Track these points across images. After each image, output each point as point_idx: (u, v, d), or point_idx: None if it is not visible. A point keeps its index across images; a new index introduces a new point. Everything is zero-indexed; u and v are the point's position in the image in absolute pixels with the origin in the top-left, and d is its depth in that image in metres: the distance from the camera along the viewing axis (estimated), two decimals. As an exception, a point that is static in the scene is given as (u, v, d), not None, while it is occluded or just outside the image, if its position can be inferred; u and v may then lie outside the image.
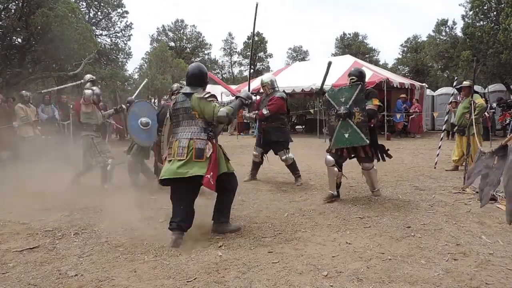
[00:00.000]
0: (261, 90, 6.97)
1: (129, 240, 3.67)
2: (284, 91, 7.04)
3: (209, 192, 5.74)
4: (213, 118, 3.55)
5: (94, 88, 6.10)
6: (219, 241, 3.61)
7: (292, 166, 6.32)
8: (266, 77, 6.59)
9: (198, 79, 3.75)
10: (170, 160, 3.57)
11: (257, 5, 5.70)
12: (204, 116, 3.58)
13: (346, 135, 4.76)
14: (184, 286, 2.74)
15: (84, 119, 5.94)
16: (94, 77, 6.63)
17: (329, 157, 5.00)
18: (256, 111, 6.25)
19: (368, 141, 4.64)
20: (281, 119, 6.21)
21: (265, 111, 6.06)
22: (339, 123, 4.85)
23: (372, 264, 3.06)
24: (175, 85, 6.21)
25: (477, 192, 5.03)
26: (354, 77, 5.07)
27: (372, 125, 4.92)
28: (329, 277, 2.84)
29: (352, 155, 5.03)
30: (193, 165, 3.46)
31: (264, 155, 6.57)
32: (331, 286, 2.71)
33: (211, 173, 3.49)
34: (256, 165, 6.62)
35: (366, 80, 16.37)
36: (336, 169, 4.97)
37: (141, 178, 6.52)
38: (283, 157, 6.23)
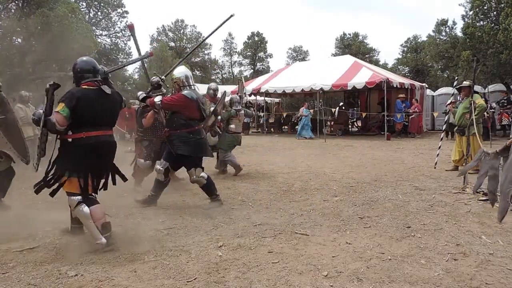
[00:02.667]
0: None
1: (129, 240, 3.67)
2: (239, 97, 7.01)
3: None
4: None
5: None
6: (219, 241, 3.61)
7: (207, 187, 4.89)
8: (178, 71, 4.98)
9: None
10: None
11: (231, 16, 5.71)
12: None
13: None
14: (184, 286, 2.74)
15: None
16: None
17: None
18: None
19: None
20: (188, 126, 4.71)
21: (157, 99, 4.72)
22: None
23: (372, 264, 3.06)
24: (156, 79, 5.93)
25: (477, 193, 5.04)
26: None
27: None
28: (329, 277, 2.84)
29: None
30: None
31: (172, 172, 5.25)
32: (331, 286, 2.71)
33: None
34: (159, 185, 4.90)
35: (366, 80, 16.44)
36: None
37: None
38: (192, 177, 4.81)
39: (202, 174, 4.80)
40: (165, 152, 4.90)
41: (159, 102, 4.65)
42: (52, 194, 3.58)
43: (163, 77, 5.86)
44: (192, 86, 4.88)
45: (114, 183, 3.74)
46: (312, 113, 16.49)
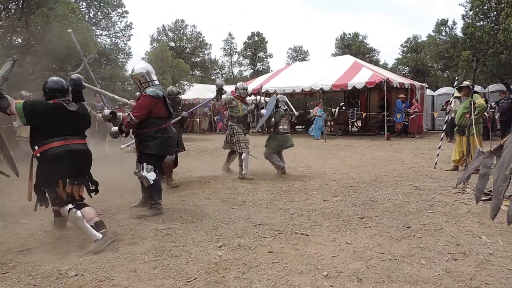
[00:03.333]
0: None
1: (129, 240, 3.67)
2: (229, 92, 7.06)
3: (209, 191, 5.75)
4: None
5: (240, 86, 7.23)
6: (219, 241, 3.61)
7: (152, 190, 4.55)
8: (138, 66, 4.75)
9: None
10: None
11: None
12: None
13: None
14: (184, 286, 2.74)
15: (230, 112, 7.07)
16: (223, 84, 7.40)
17: None
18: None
19: None
20: (155, 125, 4.55)
21: (128, 118, 4.49)
22: None
23: (372, 264, 3.06)
24: (174, 88, 6.78)
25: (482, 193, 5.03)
26: None
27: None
28: (329, 277, 2.84)
29: None
30: None
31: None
32: (331, 286, 2.71)
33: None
34: (144, 188, 4.75)
35: (366, 80, 16.45)
36: None
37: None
38: (141, 173, 4.51)
39: (150, 174, 4.48)
40: (137, 156, 4.71)
41: (133, 118, 4.43)
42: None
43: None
44: (155, 82, 4.68)
45: (89, 193, 3.73)
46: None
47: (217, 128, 20.74)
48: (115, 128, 4.67)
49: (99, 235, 3.39)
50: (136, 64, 4.84)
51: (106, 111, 4.59)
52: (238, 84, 7.43)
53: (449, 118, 8.95)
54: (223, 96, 6.84)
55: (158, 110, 4.55)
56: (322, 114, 15.41)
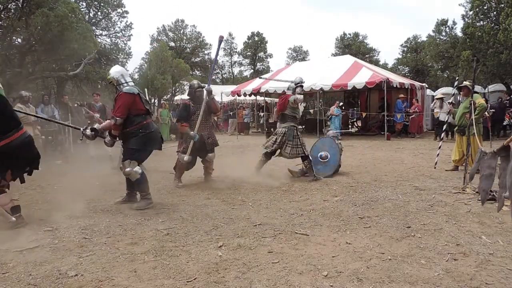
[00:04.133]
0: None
1: (129, 240, 3.67)
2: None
3: (209, 191, 5.75)
4: None
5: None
6: (219, 241, 3.61)
7: (139, 184, 4.82)
8: (113, 70, 5.00)
9: None
10: None
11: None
12: None
13: None
14: (184, 286, 2.74)
15: (290, 113, 6.71)
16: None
17: None
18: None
19: None
20: (136, 122, 4.77)
21: (113, 120, 4.78)
22: None
23: (372, 264, 3.06)
24: (196, 82, 6.49)
25: (477, 192, 5.04)
26: None
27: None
28: (329, 277, 2.84)
29: None
30: None
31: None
32: (331, 286, 2.71)
33: None
34: (130, 184, 5.04)
35: (366, 80, 16.43)
36: None
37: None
38: (126, 169, 4.76)
39: (137, 168, 4.76)
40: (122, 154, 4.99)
41: (117, 119, 4.69)
42: None
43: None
44: (130, 83, 4.89)
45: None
46: (312, 113, 16.44)
47: (224, 128, 20.68)
48: (108, 138, 4.98)
49: (13, 219, 4.01)
50: (112, 69, 5.08)
51: (88, 132, 4.90)
52: (297, 79, 6.69)
53: (438, 118, 9.01)
54: (298, 96, 6.50)
55: (136, 107, 4.77)
56: (339, 113, 15.09)
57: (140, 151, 4.80)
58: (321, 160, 6.97)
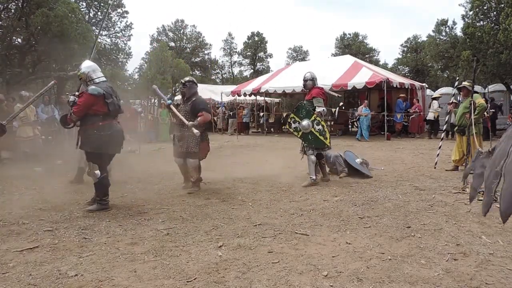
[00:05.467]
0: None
1: (129, 240, 3.67)
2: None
3: (209, 191, 5.75)
4: None
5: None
6: (219, 241, 3.61)
7: (98, 187, 4.72)
8: (84, 65, 4.84)
9: None
10: None
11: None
12: None
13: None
14: (184, 286, 2.74)
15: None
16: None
17: None
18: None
19: None
20: (92, 121, 4.63)
21: (69, 114, 4.71)
22: None
23: (372, 264, 3.06)
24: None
25: (477, 192, 5.03)
26: None
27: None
28: (329, 277, 2.84)
29: None
30: None
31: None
32: (331, 286, 2.71)
33: None
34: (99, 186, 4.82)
35: (366, 80, 16.37)
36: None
37: (142, 179, 6.52)
38: (86, 170, 4.82)
39: (96, 172, 4.64)
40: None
41: (72, 115, 4.60)
42: None
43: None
44: (101, 78, 4.76)
45: None
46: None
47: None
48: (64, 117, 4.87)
49: None
50: (83, 63, 4.90)
51: (72, 98, 4.78)
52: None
53: (435, 117, 9.02)
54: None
55: (97, 107, 4.61)
56: (368, 112, 14.73)
57: (95, 154, 4.66)
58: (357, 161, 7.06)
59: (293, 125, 6.21)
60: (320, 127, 6.05)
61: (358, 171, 6.82)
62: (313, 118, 6.06)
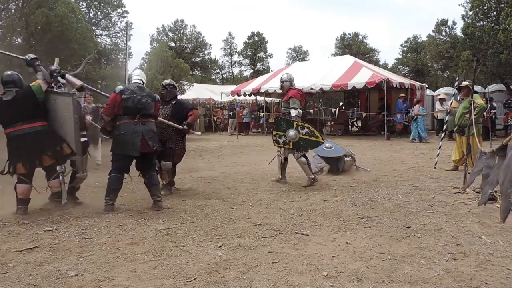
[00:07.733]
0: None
1: (129, 240, 3.67)
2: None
3: (209, 191, 5.75)
4: None
5: None
6: (219, 241, 3.61)
7: (107, 187, 4.73)
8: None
9: None
10: None
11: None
12: None
13: None
14: (184, 286, 2.74)
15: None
16: None
17: None
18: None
19: None
20: (116, 122, 4.84)
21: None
22: None
23: (372, 264, 3.06)
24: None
25: (477, 192, 5.04)
26: None
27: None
28: (329, 277, 2.84)
29: None
30: None
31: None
32: (331, 286, 2.71)
33: None
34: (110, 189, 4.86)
35: (366, 80, 16.39)
36: None
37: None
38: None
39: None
40: None
41: (104, 117, 4.97)
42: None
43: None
44: (134, 80, 5.04)
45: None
46: (312, 113, 16.39)
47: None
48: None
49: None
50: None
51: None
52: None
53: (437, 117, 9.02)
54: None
55: (118, 107, 4.76)
56: (424, 112, 14.40)
57: (113, 155, 4.75)
58: (325, 148, 7.17)
59: (280, 141, 6.09)
60: (306, 130, 5.97)
61: (336, 160, 7.10)
62: (295, 126, 5.94)
